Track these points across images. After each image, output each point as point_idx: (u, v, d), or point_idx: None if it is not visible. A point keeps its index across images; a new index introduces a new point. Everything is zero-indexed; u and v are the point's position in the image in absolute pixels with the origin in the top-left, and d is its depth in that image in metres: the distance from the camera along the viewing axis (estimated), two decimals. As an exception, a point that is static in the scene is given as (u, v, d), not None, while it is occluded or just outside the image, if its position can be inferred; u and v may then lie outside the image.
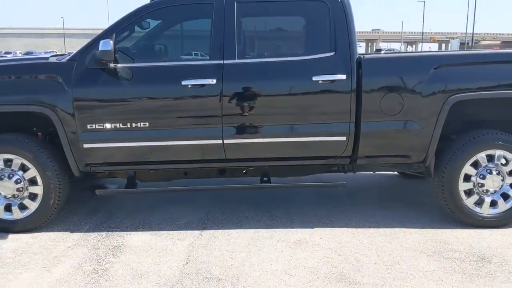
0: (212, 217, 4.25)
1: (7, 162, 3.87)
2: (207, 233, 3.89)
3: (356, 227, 3.98)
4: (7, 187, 3.87)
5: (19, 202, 3.92)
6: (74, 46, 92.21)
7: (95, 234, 3.92)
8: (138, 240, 3.77)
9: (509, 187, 3.97)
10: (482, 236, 3.81)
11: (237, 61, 3.81)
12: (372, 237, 3.79)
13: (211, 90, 3.77)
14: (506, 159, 3.93)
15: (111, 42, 3.61)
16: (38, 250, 3.61)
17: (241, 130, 3.84)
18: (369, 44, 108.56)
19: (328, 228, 3.96)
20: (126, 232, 3.94)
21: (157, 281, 3.11)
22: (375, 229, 3.95)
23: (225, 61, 3.79)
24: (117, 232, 3.95)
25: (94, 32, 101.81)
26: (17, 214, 3.93)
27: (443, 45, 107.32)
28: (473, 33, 54.94)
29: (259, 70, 3.86)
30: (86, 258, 3.46)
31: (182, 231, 3.94)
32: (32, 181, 3.90)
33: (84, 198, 4.77)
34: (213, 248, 3.60)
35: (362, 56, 3.89)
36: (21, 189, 3.88)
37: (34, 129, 4.14)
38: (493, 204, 3.97)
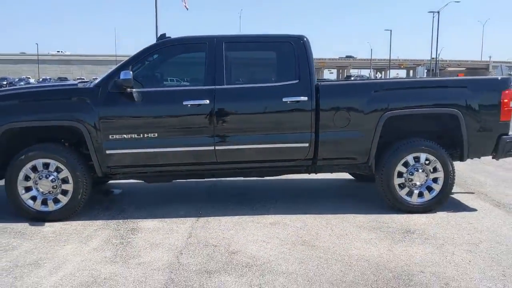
0: (204, 209, 5.38)
1: (45, 165, 4.95)
2: (202, 219, 5.02)
3: (317, 214, 5.16)
4: (45, 185, 4.94)
5: (53, 197, 4.99)
6: (47, 73, 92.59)
7: (114, 221, 5.00)
8: (149, 225, 4.87)
9: (432, 181, 5.24)
10: (411, 218, 5.04)
11: (225, 86, 5.03)
12: (329, 220, 4.98)
13: (205, 109, 4.96)
14: (429, 160, 5.20)
15: (131, 72, 4.78)
16: (72, 231, 4.67)
17: (229, 139, 5.03)
18: (340, 70, 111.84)
19: (295, 215, 5.13)
20: (138, 220, 5.04)
21: (169, 248, 4.22)
22: (332, 215, 5.14)
23: (216, 86, 5.01)
24: (131, 220, 5.04)
25: (67, 58, 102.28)
26: (51, 207, 4.98)
27: (411, 71, 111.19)
28: (436, 61, 57.77)
29: (242, 93, 5.09)
30: (112, 235, 4.55)
31: (182, 218, 5.06)
32: (64, 180, 4.97)
33: (98, 199, 5.83)
34: (208, 228, 4.73)
35: (319, 83, 5.16)
36: (55, 186, 4.95)
37: (62, 140, 5.23)
38: (420, 194, 5.23)
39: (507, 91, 5.23)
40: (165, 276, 3.61)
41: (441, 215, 5.13)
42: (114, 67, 5.26)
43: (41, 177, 4.93)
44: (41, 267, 3.80)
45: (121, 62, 5.18)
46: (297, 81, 5.10)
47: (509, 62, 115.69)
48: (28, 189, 4.95)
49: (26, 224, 4.86)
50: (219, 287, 3.42)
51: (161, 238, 4.47)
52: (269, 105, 5.07)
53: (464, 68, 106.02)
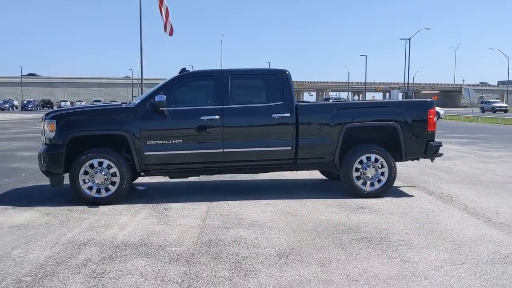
0: (214, 198, 7.25)
1: (100, 163, 6.79)
2: (214, 203, 6.90)
3: (297, 199, 7.09)
4: (99, 177, 6.78)
5: (105, 187, 6.82)
6: (29, 95, 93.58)
7: (149, 204, 6.84)
8: (176, 206, 6.72)
9: (380, 175, 7.22)
10: (364, 200, 7.01)
11: (230, 106, 6.98)
12: (306, 202, 6.91)
13: (217, 122, 6.90)
14: (377, 159, 7.20)
15: (164, 96, 6.70)
16: (122, 210, 6.50)
17: (233, 144, 6.95)
18: (320, 92, 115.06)
19: (282, 199, 7.05)
20: (166, 203, 6.88)
21: (195, 217, 6.08)
22: (308, 199, 7.07)
23: (224, 106, 6.96)
24: (161, 204, 6.88)
25: (50, 80, 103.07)
26: (103, 194, 6.81)
27: (387, 94, 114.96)
28: (408, 84, 60.75)
29: (243, 111, 7.05)
30: (152, 212, 6.40)
31: (199, 202, 6.92)
32: (113, 174, 6.82)
33: (130, 193, 7.66)
34: (220, 207, 6.61)
35: (298, 103, 7.16)
36: (107, 179, 6.79)
37: (108, 146, 7.07)
38: (372, 184, 7.21)
39: (432, 110, 7.31)
40: (198, 230, 5.48)
41: (386, 199, 7.11)
42: (149, 91, 7.20)
43: (96, 172, 6.77)
44: (111, 227, 5.63)
45: (154, 88, 7.11)
46: (282, 102, 7.09)
47: (480, 85, 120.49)
48: (86, 181, 6.78)
49: (85, 207, 6.66)
50: (235, 234, 5.29)
51: (188, 212, 6.34)
52: (262, 119, 7.04)
53: (438, 91, 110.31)
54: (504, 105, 63.46)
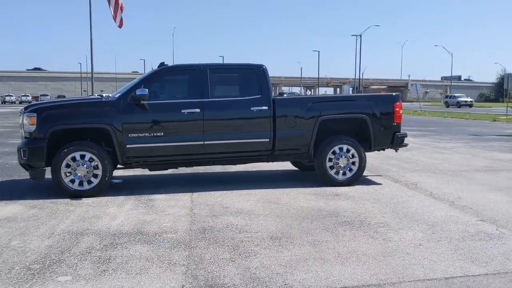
0: (195, 189, 7.48)
1: (82, 156, 6.86)
2: (196, 194, 7.13)
3: (276, 188, 7.43)
4: (82, 170, 6.86)
5: (87, 179, 6.91)
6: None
7: (132, 196, 6.99)
8: (159, 197, 6.91)
9: (351, 164, 7.67)
10: (338, 188, 7.43)
11: (210, 99, 7.22)
12: (284, 191, 7.26)
13: (197, 115, 7.12)
14: (348, 150, 7.64)
15: (147, 89, 6.86)
16: (106, 202, 6.62)
17: (213, 136, 7.20)
18: (273, 87, 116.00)
19: (261, 189, 7.37)
20: (148, 195, 7.04)
21: (182, 206, 6.30)
22: (286, 188, 7.42)
23: (204, 99, 7.19)
24: (143, 195, 7.03)
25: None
26: (85, 186, 6.90)
27: (338, 89, 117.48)
28: (360, 80, 62.41)
29: (223, 104, 7.30)
30: (137, 203, 6.56)
31: (181, 194, 7.13)
32: (95, 167, 6.91)
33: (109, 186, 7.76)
34: (203, 197, 6.86)
35: (275, 97, 7.49)
36: (89, 171, 6.89)
37: (88, 139, 7.15)
38: (344, 173, 7.65)
39: (398, 103, 7.83)
40: (188, 218, 5.72)
41: (357, 187, 7.58)
42: (129, 84, 7.33)
43: (78, 165, 6.84)
44: (101, 218, 5.76)
45: (135, 82, 7.25)
46: (260, 96, 7.40)
47: (425, 81, 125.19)
48: (68, 174, 6.84)
49: (68, 200, 6.73)
50: (225, 221, 5.57)
51: (173, 203, 6.54)
52: (242, 112, 7.32)
53: (385, 86, 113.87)
54: (469, 99, 63.41)
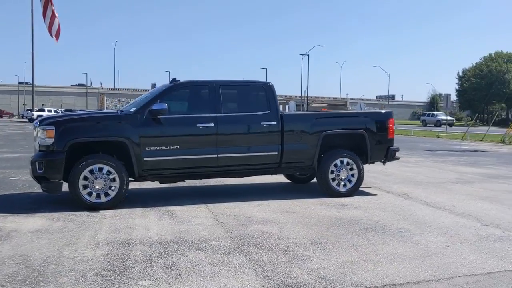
0: (206, 200, 7.72)
1: (100, 169, 6.95)
2: (210, 205, 7.36)
3: (284, 199, 7.81)
4: (100, 183, 6.95)
5: (104, 192, 6.99)
6: None
7: (149, 208, 7.13)
8: (177, 209, 7.09)
9: (351, 176, 8.21)
10: (340, 199, 7.92)
11: (223, 114, 7.54)
12: (293, 202, 7.65)
13: (211, 129, 7.41)
14: (348, 163, 8.18)
15: (166, 104, 7.08)
16: (128, 214, 6.74)
17: (226, 149, 7.51)
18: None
19: (271, 200, 7.72)
20: (165, 207, 7.21)
21: (205, 216, 6.54)
22: (294, 200, 7.83)
23: (217, 114, 7.50)
24: (160, 207, 7.19)
25: None
26: (103, 199, 6.98)
27: (281, 106, 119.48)
28: (306, 97, 64.19)
29: (235, 119, 7.64)
30: (158, 214, 6.73)
31: (195, 205, 7.36)
32: (112, 180, 7.02)
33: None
34: (219, 208, 7.11)
35: (283, 113, 7.92)
36: (106, 184, 6.98)
37: (99, 152, 7.24)
38: (344, 185, 8.17)
39: (391, 119, 8.49)
40: (220, 227, 5.98)
41: (357, 197, 8.11)
42: (143, 98, 7.55)
43: (96, 177, 6.92)
44: (135, 229, 5.90)
45: (149, 96, 7.45)
46: (269, 111, 7.80)
47: (361, 99, 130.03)
48: (85, 186, 6.90)
49: (87, 212, 6.78)
50: (257, 229, 5.87)
51: (194, 213, 6.77)
52: (253, 127, 7.69)
53: (326, 104, 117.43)
54: (450, 118, 57.01)
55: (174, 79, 7.81)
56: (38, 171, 6.87)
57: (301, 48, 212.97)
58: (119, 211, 6.90)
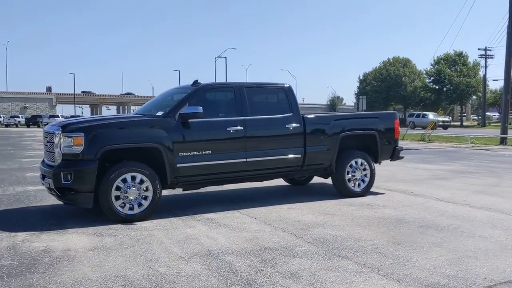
0: (233, 206, 7.47)
1: (133, 178, 6.45)
2: (243, 210, 7.15)
3: (312, 202, 7.79)
4: (133, 193, 6.45)
5: (138, 202, 6.50)
6: None
7: (184, 217, 6.74)
8: (214, 216, 6.77)
9: (364, 176, 8.41)
10: (358, 199, 8.08)
11: (251, 117, 7.35)
12: (324, 204, 7.66)
13: (241, 133, 7.20)
14: (362, 163, 8.38)
15: (201, 107, 6.74)
16: (168, 224, 6.32)
17: (255, 153, 7.34)
18: (121, 106, 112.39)
19: (301, 203, 7.67)
20: (199, 215, 6.87)
21: (253, 222, 6.34)
22: (320, 201, 7.84)
23: (245, 117, 7.30)
24: (194, 215, 6.83)
25: None
26: (136, 210, 6.49)
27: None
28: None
29: (262, 122, 7.49)
30: (202, 223, 6.39)
31: (229, 211, 7.10)
32: (145, 189, 6.54)
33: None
34: (256, 213, 6.93)
35: (304, 115, 7.90)
36: (139, 194, 6.50)
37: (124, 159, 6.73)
38: (359, 185, 8.36)
39: (396, 120, 8.83)
40: (282, 232, 5.83)
41: (371, 197, 8.32)
42: (167, 100, 7.15)
43: (129, 187, 6.42)
44: (200, 239, 5.55)
45: (177, 100, 7.06)
46: (291, 113, 7.75)
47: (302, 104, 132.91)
48: (117, 197, 6.37)
49: (122, 225, 6.26)
50: (322, 233, 5.81)
51: (238, 220, 6.53)
52: (278, 129, 7.60)
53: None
54: (447, 119, 53.25)
55: (196, 81, 7.47)
56: (63, 182, 6.22)
57: (214, 50, 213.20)
58: (155, 222, 6.47)
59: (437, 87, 67.21)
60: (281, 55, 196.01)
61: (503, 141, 23.91)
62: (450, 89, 65.68)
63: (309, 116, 8.12)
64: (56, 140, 6.39)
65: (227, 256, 4.89)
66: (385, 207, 7.44)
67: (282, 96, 7.85)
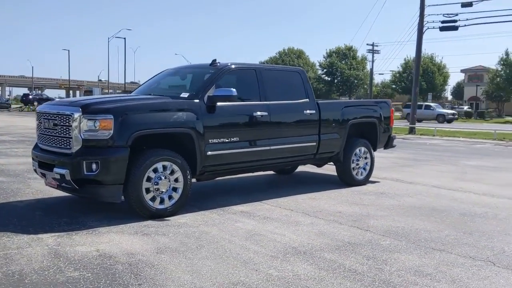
0: (255, 198, 6.91)
1: (164, 168, 5.65)
2: (269, 201, 6.65)
3: (321, 191, 7.51)
4: (164, 184, 5.65)
5: (168, 195, 5.72)
6: None
7: (214, 210, 6.09)
8: (240, 208, 6.22)
9: (365, 164, 8.33)
10: (369, 187, 7.98)
11: (274, 102, 6.85)
12: (335, 193, 7.42)
13: (266, 118, 6.67)
14: (365, 152, 8.27)
15: (234, 89, 6.08)
16: (207, 218, 5.64)
17: (278, 141, 6.85)
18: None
19: (319, 192, 7.35)
20: (227, 207, 6.25)
21: (292, 214, 5.92)
22: (327, 191, 7.58)
23: (269, 102, 6.78)
24: (224, 208, 6.19)
25: None
26: (166, 204, 5.70)
27: (71, 91, 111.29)
28: (125, 84, 61.16)
29: (284, 107, 7.01)
30: (244, 216, 5.80)
31: (257, 202, 6.56)
32: (175, 180, 5.77)
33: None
34: (285, 203, 6.49)
35: (318, 101, 7.57)
36: (170, 185, 5.72)
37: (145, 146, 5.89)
38: (361, 173, 8.25)
39: (392, 109, 8.86)
40: (339, 224, 5.49)
41: (372, 186, 8.25)
42: (191, 81, 6.39)
43: (160, 177, 5.61)
44: (266, 236, 5.00)
45: (203, 80, 6.31)
46: (307, 99, 7.37)
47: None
48: (147, 190, 5.54)
49: (156, 222, 5.47)
50: (378, 224, 5.57)
51: (277, 212, 6.06)
52: (299, 115, 7.19)
53: (120, 91, 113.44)
54: (453, 111, 46.02)
55: (214, 61, 6.75)
56: (86, 173, 5.25)
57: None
58: (188, 216, 5.78)
59: (329, 78, 70.37)
60: (173, 39, 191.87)
61: (411, 131, 25.65)
62: (340, 81, 69.24)
63: (323, 102, 7.80)
64: (73, 122, 5.35)
65: (322, 253, 4.45)
66: (400, 195, 7.40)
67: (298, 81, 7.43)
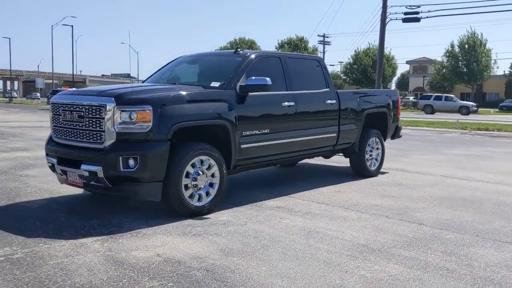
0: (273, 192, 6.61)
1: (201, 162, 5.22)
2: (293, 196, 6.35)
3: (341, 184, 7.29)
4: (202, 180, 5.24)
5: (205, 191, 5.30)
6: None
7: (248, 206, 5.74)
8: (272, 204, 5.90)
9: (377, 155, 8.19)
10: (384, 179, 7.84)
11: (299, 92, 6.54)
12: (352, 185, 7.23)
13: (293, 108, 6.37)
14: (377, 142, 8.13)
15: (268, 78, 5.71)
16: (243, 216, 5.29)
17: (304, 132, 6.57)
18: None
19: (337, 185, 7.12)
20: (260, 203, 5.91)
21: (328, 208, 5.67)
22: (341, 184, 7.38)
23: (295, 92, 6.47)
24: (253, 204, 5.86)
25: None
26: (204, 201, 5.29)
27: (8, 82, 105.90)
28: (72, 75, 58.66)
29: (309, 97, 6.71)
30: (280, 211, 5.48)
31: (283, 197, 6.24)
32: (212, 175, 5.36)
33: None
34: (312, 197, 6.22)
35: (337, 91, 7.32)
36: (207, 180, 5.31)
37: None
38: (374, 164, 8.10)
39: (398, 98, 8.77)
40: (386, 218, 5.29)
41: (386, 176, 8.15)
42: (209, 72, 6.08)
43: (198, 173, 5.19)
44: (325, 234, 4.72)
45: (234, 70, 5.87)
46: (328, 89, 7.12)
47: (97, 76, 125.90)
48: (186, 186, 5.11)
49: (197, 220, 5.06)
50: (426, 218, 5.43)
51: (303, 206, 5.78)
52: (323, 105, 6.93)
53: (63, 81, 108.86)
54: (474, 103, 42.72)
55: (237, 49, 6.35)
56: (122, 169, 4.75)
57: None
58: (226, 213, 5.42)
59: (281, 69, 70.55)
60: (122, 33, 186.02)
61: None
62: (292, 72, 69.59)
63: (342, 92, 7.56)
64: (106, 114, 4.81)
65: (397, 250, 4.22)
66: (420, 186, 7.30)
67: (318, 69, 7.15)
